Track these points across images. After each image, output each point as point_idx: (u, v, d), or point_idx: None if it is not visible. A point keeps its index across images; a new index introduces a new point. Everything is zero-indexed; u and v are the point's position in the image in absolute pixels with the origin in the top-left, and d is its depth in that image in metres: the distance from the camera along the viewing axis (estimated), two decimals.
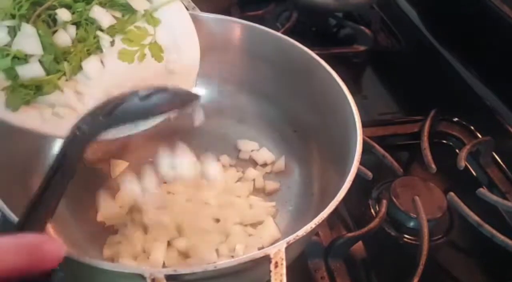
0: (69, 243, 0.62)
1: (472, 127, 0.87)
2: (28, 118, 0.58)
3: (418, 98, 0.96)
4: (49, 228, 0.62)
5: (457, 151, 0.84)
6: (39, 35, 0.60)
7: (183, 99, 0.54)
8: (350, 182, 0.54)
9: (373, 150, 0.78)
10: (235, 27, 0.75)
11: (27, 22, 0.60)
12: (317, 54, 0.70)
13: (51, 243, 0.40)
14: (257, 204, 0.70)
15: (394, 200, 0.72)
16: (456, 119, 0.88)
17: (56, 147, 0.69)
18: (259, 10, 1.11)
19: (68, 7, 0.64)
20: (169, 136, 0.78)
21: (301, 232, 0.49)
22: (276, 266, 0.46)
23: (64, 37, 0.63)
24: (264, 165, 0.75)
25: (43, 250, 0.39)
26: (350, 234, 0.66)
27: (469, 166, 0.82)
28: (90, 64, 0.64)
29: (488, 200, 0.73)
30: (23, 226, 0.42)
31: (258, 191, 0.73)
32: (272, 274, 0.45)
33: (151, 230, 0.65)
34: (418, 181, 0.75)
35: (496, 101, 0.92)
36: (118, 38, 0.67)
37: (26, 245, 0.39)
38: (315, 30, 1.11)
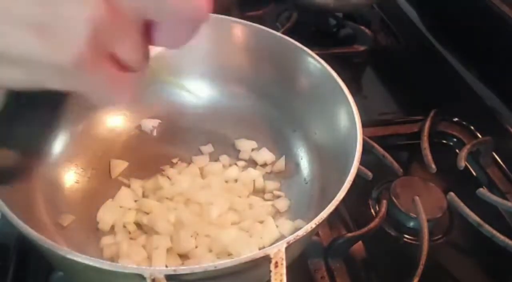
0: (69, 243, 0.62)
1: (472, 127, 0.87)
2: None
3: (418, 98, 0.96)
4: (49, 227, 0.63)
5: (457, 151, 0.84)
6: None
7: None
8: (350, 182, 0.54)
9: (373, 150, 0.78)
10: (235, 27, 0.75)
11: None
12: (317, 54, 0.70)
13: None
14: (257, 204, 0.70)
15: (394, 200, 0.72)
16: (456, 119, 0.88)
17: (56, 146, 0.70)
18: (259, 10, 1.11)
19: None
20: (169, 135, 0.78)
21: (301, 232, 0.49)
22: (276, 266, 0.45)
23: None
24: (264, 165, 0.75)
25: None
26: (350, 234, 0.66)
27: (469, 166, 0.82)
28: None
29: (488, 200, 0.73)
30: None
31: (258, 191, 0.73)
32: (272, 274, 0.45)
33: (150, 231, 0.65)
34: (418, 181, 0.75)
35: (496, 101, 0.92)
36: None
37: None
38: (315, 30, 1.11)
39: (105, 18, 0.34)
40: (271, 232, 0.66)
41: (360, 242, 0.68)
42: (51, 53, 0.34)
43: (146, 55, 0.40)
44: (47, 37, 0.33)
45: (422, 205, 0.70)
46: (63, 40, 0.34)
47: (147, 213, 0.67)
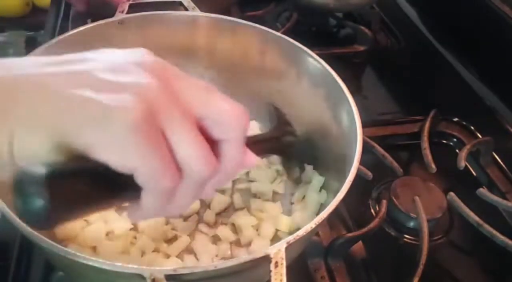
0: (69, 243, 0.62)
1: (472, 127, 0.87)
2: None
3: (418, 98, 0.96)
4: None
5: (457, 151, 0.84)
6: None
7: None
8: (350, 182, 0.54)
9: (373, 150, 0.78)
10: (235, 27, 0.75)
11: None
12: (317, 54, 0.70)
13: None
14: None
15: (394, 200, 0.72)
16: (456, 119, 0.88)
17: None
18: (259, 10, 1.11)
19: None
20: None
21: (301, 232, 0.49)
22: (276, 266, 0.45)
23: None
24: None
25: None
26: (350, 234, 0.66)
27: (469, 166, 0.82)
28: None
29: (488, 200, 0.73)
30: None
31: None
32: (272, 274, 0.45)
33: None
34: (418, 181, 0.75)
35: (496, 101, 0.92)
36: None
37: None
38: (315, 30, 1.11)
39: (161, 96, 0.37)
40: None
41: (360, 242, 0.68)
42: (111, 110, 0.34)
43: (206, 166, 0.39)
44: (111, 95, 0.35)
45: (422, 205, 0.70)
46: (124, 98, 0.35)
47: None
